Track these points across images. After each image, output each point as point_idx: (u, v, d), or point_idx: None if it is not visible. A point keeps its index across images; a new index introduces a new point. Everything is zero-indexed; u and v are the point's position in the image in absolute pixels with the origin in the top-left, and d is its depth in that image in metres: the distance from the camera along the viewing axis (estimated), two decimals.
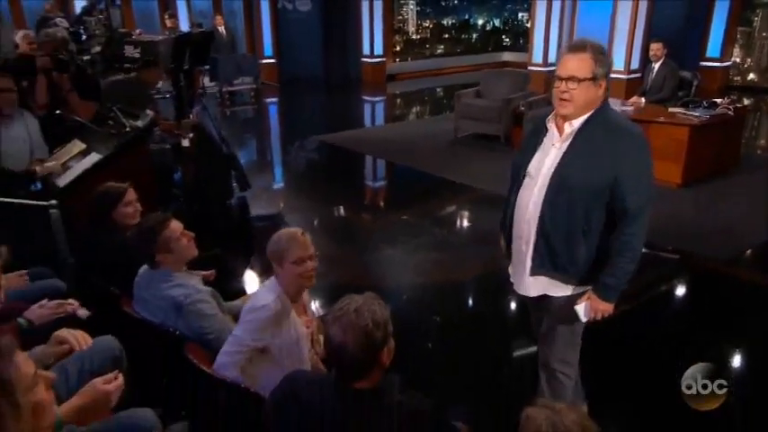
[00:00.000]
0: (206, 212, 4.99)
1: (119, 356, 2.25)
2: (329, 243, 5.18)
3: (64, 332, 2.03)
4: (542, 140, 2.31)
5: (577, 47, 2.16)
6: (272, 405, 1.82)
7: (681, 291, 4.55)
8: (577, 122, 2.20)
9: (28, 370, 1.28)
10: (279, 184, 7.44)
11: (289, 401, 1.77)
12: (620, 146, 2.17)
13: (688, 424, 2.64)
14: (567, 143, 2.21)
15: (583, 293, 2.34)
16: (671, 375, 3.04)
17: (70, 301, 2.43)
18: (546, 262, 2.31)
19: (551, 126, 2.28)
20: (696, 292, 4.47)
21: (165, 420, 2.13)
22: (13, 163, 3.54)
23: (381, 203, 6.96)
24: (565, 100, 2.16)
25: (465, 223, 5.97)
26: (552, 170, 2.23)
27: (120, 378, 1.77)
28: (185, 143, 5.02)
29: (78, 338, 2.01)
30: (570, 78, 2.12)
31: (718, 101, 6.56)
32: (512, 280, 2.54)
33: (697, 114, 6.14)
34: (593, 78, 2.12)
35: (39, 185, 3.47)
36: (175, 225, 2.61)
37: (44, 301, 2.37)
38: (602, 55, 2.15)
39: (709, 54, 12.42)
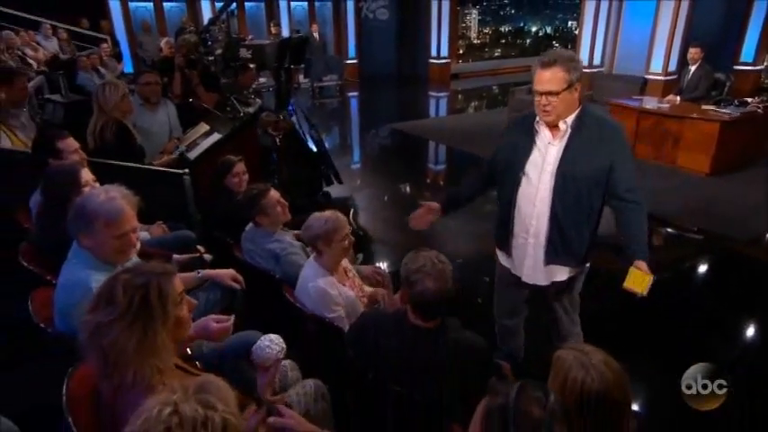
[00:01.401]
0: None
1: (234, 291, 2.37)
2: (398, 213, 5.21)
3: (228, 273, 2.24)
4: (535, 142, 2.13)
5: (548, 62, 1.98)
6: (353, 337, 1.89)
7: (704, 267, 4.29)
8: (570, 119, 2.05)
9: (179, 289, 1.37)
10: (356, 165, 7.48)
11: (367, 334, 1.83)
12: (611, 137, 2.06)
13: None
14: (565, 140, 2.06)
15: (580, 272, 2.27)
16: (691, 342, 2.94)
17: (199, 247, 2.60)
18: (560, 251, 2.18)
19: (541, 128, 2.11)
20: (717, 269, 4.21)
21: None
22: (157, 138, 3.75)
23: (442, 182, 6.89)
24: (548, 110, 2.01)
25: None
26: (556, 166, 2.07)
27: (231, 322, 1.74)
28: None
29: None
30: (548, 93, 1.98)
31: (749, 100, 6.05)
32: (514, 272, 2.37)
33: (728, 111, 5.69)
34: (569, 86, 1.97)
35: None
36: (273, 194, 2.68)
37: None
38: (572, 62, 1.99)
39: (743, 59, 11.37)
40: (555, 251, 2.18)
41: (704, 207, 5.05)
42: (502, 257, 2.45)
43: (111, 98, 3.23)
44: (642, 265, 1.99)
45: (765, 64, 11.67)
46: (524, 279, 2.32)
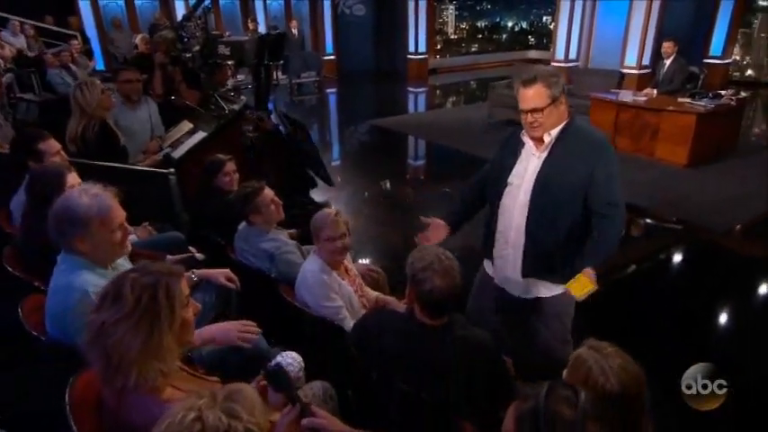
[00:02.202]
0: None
1: (229, 293, 2.32)
2: (380, 210, 5.20)
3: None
4: (520, 152, 2.14)
5: (529, 80, 1.97)
6: (357, 336, 1.87)
7: (683, 256, 4.40)
8: (555, 131, 2.04)
9: (186, 291, 1.34)
10: (336, 162, 7.41)
11: (371, 333, 1.81)
12: (592, 152, 2.03)
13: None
14: (547, 151, 2.06)
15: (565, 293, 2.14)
16: (673, 329, 3.01)
17: (190, 248, 2.54)
18: (537, 264, 2.15)
19: (527, 140, 2.11)
20: (695, 258, 4.32)
21: None
22: (138, 137, 3.64)
23: (422, 176, 6.89)
24: (535, 128, 2.02)
25: None
26: (534, 176, 2.07)
27: (254, 330, 1.76)
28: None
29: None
30: (533, 110, 1.98)
31: (723, 92, 6.23)
32: (497, 282, 2.33)
33: (703, 104, 5.85)
34: (553, 101, 1.97)
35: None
36: (267, 192, 2.63)
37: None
38: (553, 77, 1.99)
39: (712, 53, 11.77)
40: (531, 264, 2.15)
41: (682, 198, 5.17)
42: (487, 266, 2.43)
43: (91, 97, 3.13)
44: (591, 274, 1.99)
45: (733, 58, 12.05)
46: (507, 290, 2.29)
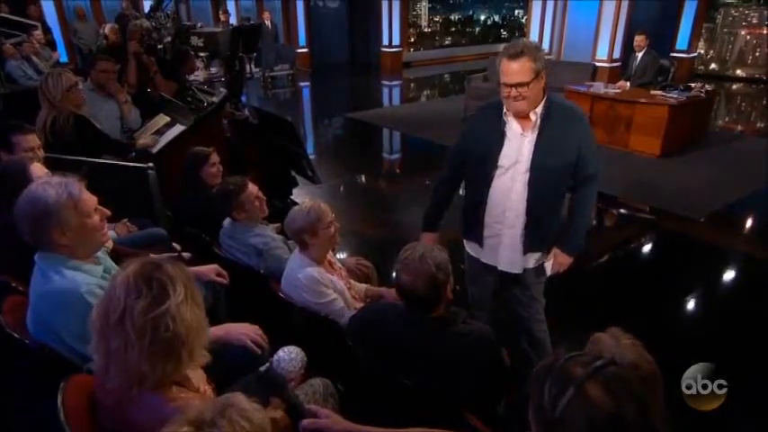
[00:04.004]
0: None
1: (219, 289, 2.26)
2: (357, 204, 5.16)
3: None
4: (505, 133, 2.09)
5: (516, 53, 1.92)
6: (356, 330, 1.84)
7: (655, 244, 4.51)
8: (539, 109, 2.02)
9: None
10: (312, 156, 7.32)
11: (371, 327, 1.79)
12: (576, 125, 2.07)
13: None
14: (536, 131, 2.04)
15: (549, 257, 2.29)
16: (645, 312, 3.06)
17: (175, 245, 2.45)
18: (537, 239, 2.20)
19: (510, 119, 2.06)
20: (667, 246, 4.43)
21: None
22: (108, 129, 3.47)
23: (398, 170, 6.88)
24: (518, 102, 1.97)
25: None
26: (529, 157, 2.05)
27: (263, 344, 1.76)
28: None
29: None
30: (519, 84, 1.93)
31: (693, 85, 6.41)
32: (486, 261, 2.34)
33: (675, 96, 6.01)
34: (537, 75, 1.93)
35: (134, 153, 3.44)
36: (251, 188, 2.59)
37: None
38: (537, 51, 1.95)
39: (678, 47, 12.13)
40: (532, 240, 2.20)
41: (655, 188, 5.30)
42: (471, 248, 2.42)
43: (55, 89, 3.01)
44: (563, 259, 2.23)
45: (698, 52, 12.43)
46: (501, 268, 2.31)
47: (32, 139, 2.45)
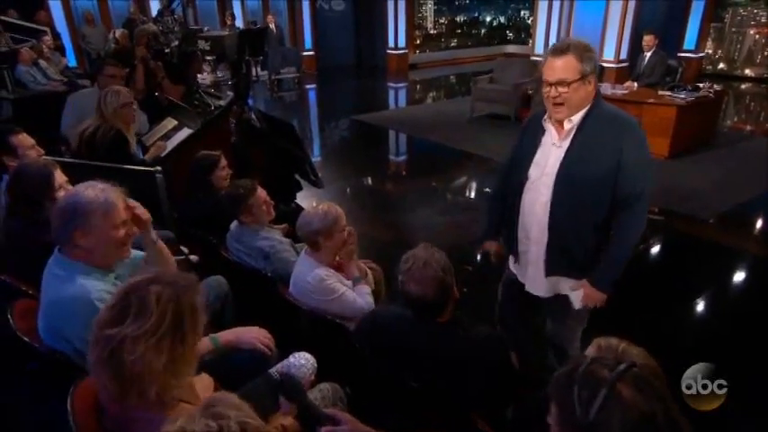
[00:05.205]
0: None
1: (227, 293, 2.26)
2: (364, 206, 5.14)
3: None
4: (540, 141, 1.95)
5: (561, 49, 1.79)
6: (366, 332, 1.84)
7: (664, 245, 4.45)
8: (576, 118, 1.85)
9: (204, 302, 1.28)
10: (317, 158, 7.31)
11: (379, 331, 1.79)
12: (619, 135, 1.82)
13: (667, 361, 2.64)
14: (569, 140, 1.87)
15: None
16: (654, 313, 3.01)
17: (182, 248, 2.46)
18: (562, 261, 1.99)
19: (548, 126, 1.92)
20: (676, 247, 4.38)
21: None
22: None
23: (404, 172, 6.85)
24: (558, 104, 1.81)
25: (483, 188, 5.88)
26: (557, 169, 1.88)
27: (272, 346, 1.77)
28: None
29: None
30: (559, 82, 1.78)
31: (701, 85, 6.36)
32: (520, 279, 2.18)
33: (683, 96, 5.96)
34: (582, 77, 1.78)
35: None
36: (260, 192, 2.61)
37: None
38: (587, 52, 1.79)
39: (686, 46, 12.06)
40: (556, 262, 2.00)
41: (664, 189, 5.24)
42: (511, 262, 2.28)
43: (110, 104, 3.13)
44: (593, 293, 1.95)
45: (706, 51, 12.35)
46: (527, 288, 2.14)
47: (26, 138, 2.50)
